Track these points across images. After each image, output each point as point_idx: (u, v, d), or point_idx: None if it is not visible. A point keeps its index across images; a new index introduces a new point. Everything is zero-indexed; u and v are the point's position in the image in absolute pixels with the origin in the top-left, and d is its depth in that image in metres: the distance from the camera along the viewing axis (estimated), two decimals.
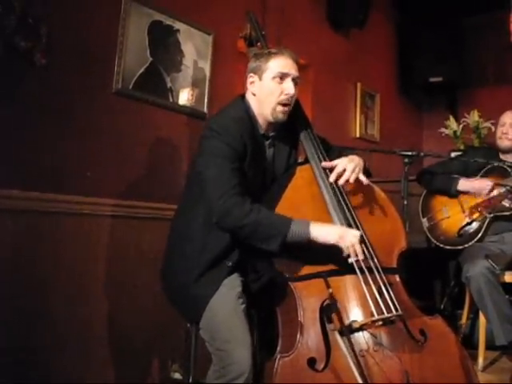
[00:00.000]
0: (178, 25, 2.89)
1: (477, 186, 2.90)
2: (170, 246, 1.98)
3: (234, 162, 1.80)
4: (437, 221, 3.01)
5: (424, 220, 3.05)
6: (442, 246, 2.95)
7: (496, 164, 2.87)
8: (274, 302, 1.83)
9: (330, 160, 1.95)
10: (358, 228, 1.82)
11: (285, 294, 1.78)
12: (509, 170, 2.84)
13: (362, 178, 1.91)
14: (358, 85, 4.53)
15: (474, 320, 3.07)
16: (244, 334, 1.70)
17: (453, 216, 2.97)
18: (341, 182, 1.87)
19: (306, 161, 1.99)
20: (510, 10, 4.45)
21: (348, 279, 1.76)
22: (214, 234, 1.81)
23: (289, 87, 1.88)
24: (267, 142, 1.98)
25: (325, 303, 1.70)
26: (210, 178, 1.79)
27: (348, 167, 1.88)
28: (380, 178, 2.69)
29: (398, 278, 1.87)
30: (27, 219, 2.19)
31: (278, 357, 1.62)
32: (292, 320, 1.72)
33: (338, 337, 1.64)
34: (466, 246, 2.86)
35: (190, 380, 2.03)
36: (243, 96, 1.99)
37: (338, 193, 1.88)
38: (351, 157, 1.95)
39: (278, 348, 1.71)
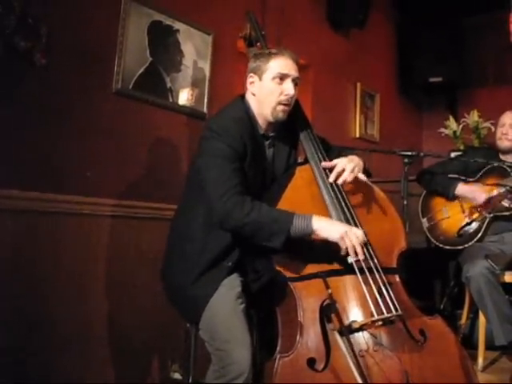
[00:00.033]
0: (177, 25, 2.89)
1: (472, 195, 2.91)
2: (170, 246, 1.98)
3: (235, 163, 1.80)
4: (437, 221, 3.02)
5: (424, 220, 3.05)
6: (441, 246, 2.95)
7: (496, 164, 2.87)
8: (273, 302, 1.82)
9: (330, 160, 1.95)
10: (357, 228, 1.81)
11: (284, 294, 1.78)
12: (508, 170, 2.84)
13: (361, 176, 1.91)
14: (358, 85, 4.53)
15: (473, 320, 3.07)
16: (243, 334, 1.70)
17: (453, 216, 2.97)
18: (339, 181, 1.87)
19: (306, 161, 1.99)
20: (509, 10, 4.45)
21: (348, 279, 1.76)
22: (213, 234, 1.82)
23: (288, 88, 1.88)
24: (267, 142, 1.98)
25: (325, 303, 1.70)
26: (211, 179, 1.78)
27: (347, 167, 1.89)
28: (380, 178, 2.69)
29: (397, 278, 1.87)
30: (27, 219, 2.19)
31: (278, 357, 1.62)
32: (292, 320, 1.72)
33: (337, 337, 1.64)
34: (466, 246, 2.86)
35: (190, 380, 2.03)
36: (243, 96, 1.99)
37: (338, 193, 1.88)
38: (351, 157, 1.95)
39: (278, 348, 1.71)
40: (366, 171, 1.97)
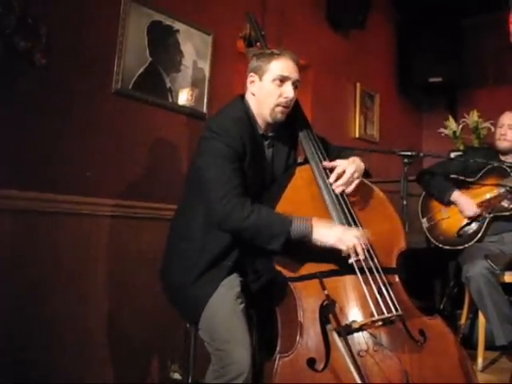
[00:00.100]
0: (177, 25, 2.89)
1: (462, 207, 2.91)
2: (170, 246, 1.98)
3: (234, 163, 1.80)
4: (436, 221, 3.02)
5: (423, 220, 3.05)
6: (441, 246, 2.96)
7: (496, 164, 2.87)
8: (273, 302, 1.83)
9: (330, 160, 1.95)
10: (357, 228, 1.82)
11: (284, 294, 1.78)
12: (508, 170, 2.84)
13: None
14: (358, 85, 4.53)
15: (473, 320, 3.07)
16: (243, 334, 1.70)
17: (452, 216, 2.97)
18: (338, 190, 1.87)
19: (306, 161, 1.99)
20: (509, 10, 4.45)
21: (348, 279, 1.76)
22: (213, 234, 1.81)
23: (288, 91, 1.88)
24: (266, 142, 1.98)
25: (324, 303, 1.70)
26: (211, 179, 1.78)
27: (348, 169, 1.89)
28: (379, 178, 2.69)
29: (397, 278, 1.87)
30: (26, 219, 2.19)
31: (278, 357, 1.63)
32: (292, 320, 1.72)
33: (336, 337, 1.64)
34: (466, 246, 2.86)
35: (190, 380, 2.03)
36: (242, 96, 1.99)
37: (338, 193, 1.88)
38: (352, 158, 1.95)
39: (278, 348, 1.71)
40: (366, 172, 1.97)
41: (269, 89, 1.88)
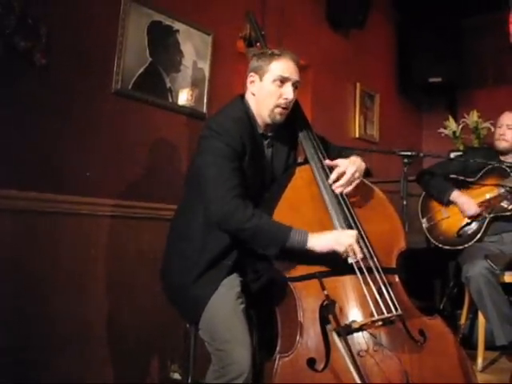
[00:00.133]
0: (177, 25, 2.89)
1: (463, 207, 2.91)
2: (170, 246, 1.98)
3: (234, 162, 1.80)
4: (436, 221, 3.02)
5: (423, 220, 3.05)
6: (441, 246, 2.95)
7: (496, 164, 2.87)
8: (273, 302, 1.83)
9: (331, 160, 1.95)
10: (357, 228, 1.82)
11: (284, 294, 1.78)
12: (508, 170, 2.84)
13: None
14: (358, 85, 4.53)
15: (473, 320, 3.07)
16: (243, 334, 1.70)
17: (452, 216, 2.97)
18: (337, 191, 1.87)
19: (306, 161, 1.99)
20: (509, 10, 4.46)
21: (348, 279, 1.77)
22: (213, 234, 1.81)
23: (288, 92, 1.88)
24: (266, 142, 1.98)
25: (324, 303, 1.70)
26: (210, 178, 1.78)
27: (349, 169, 1.88)
28: (379, 178, 2.69)
29: (397, 279, 1.87)
30: (26, 219, 2.19)
31: (278, 357, 1.63)
32: (292, 320, 1.72)
33: (336, 337, 1.64)
34: (466, 246, 2.86)
35: (189, 380, 2.03)
36: (242, 96, 1.99)
37: (338, 193, 1.88)
38: (353, 158, 1.95)
39: (278, 348, 1.71)
40: (367, 172, 1.97)
41: (269, 89, 1.88)
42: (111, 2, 2.57)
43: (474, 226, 2.91)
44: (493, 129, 3.48)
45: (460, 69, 4.83)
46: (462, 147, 4.36)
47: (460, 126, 4.43)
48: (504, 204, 2.84)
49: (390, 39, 5.09)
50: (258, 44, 2.16)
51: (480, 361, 2.68)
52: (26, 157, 2.20)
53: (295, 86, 1.90)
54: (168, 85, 2.85)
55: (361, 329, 1.67)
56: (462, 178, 2.98)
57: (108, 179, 2.52)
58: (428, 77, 4.83)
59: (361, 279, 1.73)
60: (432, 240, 2.99)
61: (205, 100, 3.04)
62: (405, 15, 5.03)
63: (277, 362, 1.61)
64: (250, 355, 1.65)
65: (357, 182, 1.90)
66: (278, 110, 1.89)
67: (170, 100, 2.87)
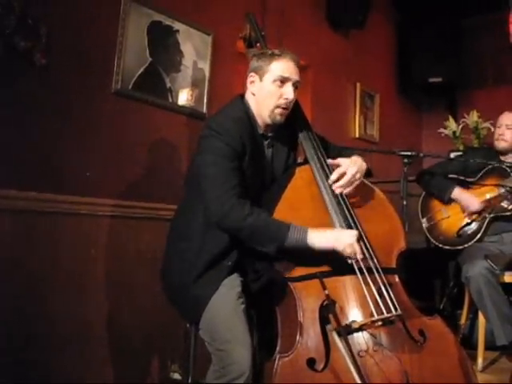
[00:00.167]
0: (177, 25, 2.89)
1: (466, 202, 2.90)
2: (170, 246, 1.98)
3: (233, 162, 1.80)
4: (436, 221, 3.02)
5: (423, 220, 3.05)
6: (441, 246, 2.96)
7: (496, 164, 2.87)
8: (273, 302, 1.83)
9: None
10: (357, 228, 1.82)
11: (284, 295, 1.78)
12: (508, 170, 2.84)
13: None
14: (358, 85, 4.53)
15: (473, 320, 3.07)
16: (244, 334, 1.70)
17: (452, 216, 2.97)
18: (338, 191, 1.87)
19: (306, 161, 1.99)
20: (509, 11, 4.45)
21: (348, 279, 1.77)
22: (213, 234, 1.81)
23: (288, 92, 1.88)
24: (266, 142, 1.98)
25: (324, 303, 1.70)
26: (210, 177, 1.79)
27: (349, 170, 1.88)
28: (379, 178, 2.68)
29: (397, 279, 1.87)
30: (26, 219, 2.19)
31: (278, 357, 1.63)
32: (292, 320, 1.72)
33: (336, 337, 1.64)
34: (466, 246, 2.86)
35: (190, 380, 2.03)
36: (242, 96, 1.99)
37: (338, 193, 1.88)
38: (354, 158, 1.95)
39: (278, 348, 1.71)
40: (368, 172, 1.97)
41: (269, 89, 1.88)
42: (111, 2, 2.57)
43: (474, 226, 2.91)
44: (493, 129, 3.48)
45: (460, 69, 4.83)
46: (461, 147, 4.37)
47: (460, 126, 4.43)
48: (504, 204, 2.84)
49: (389, 39, 5.09)
50: (258, 44, 2.16)
51: (480, 361, 2.68)
52: (25, 157, 2.20)
53: (295, 86, 1.90)
54: (168, 85, 2.85)
55: (361, 329, 1.67)
56: (462, 178, 2.98)
57: (108, 179, 2.52)
58: (428, 77, 4.83)
59: (361, 279, 1.73)
60: (432, 240, 3.00)
61: (205, 100, 3.04)
62: (405, 15, 5.04)
63: (277, 361, 1.61)
64: (251, 355, 1.65)
65: (357, 182, 1.90)
66: (279, 110, 1.89)
67: (170, 100, 2.87)
